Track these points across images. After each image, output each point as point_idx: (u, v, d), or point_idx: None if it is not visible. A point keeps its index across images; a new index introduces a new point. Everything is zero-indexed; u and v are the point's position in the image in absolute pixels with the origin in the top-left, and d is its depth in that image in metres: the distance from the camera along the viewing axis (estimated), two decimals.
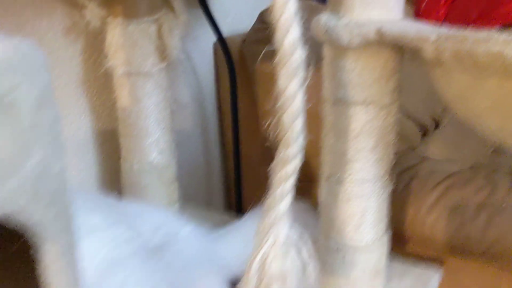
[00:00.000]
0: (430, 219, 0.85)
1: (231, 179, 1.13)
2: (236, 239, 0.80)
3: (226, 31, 1.03)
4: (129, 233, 0.70)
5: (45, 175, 0.40)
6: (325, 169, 0.69)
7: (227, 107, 1.09)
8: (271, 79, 0.49)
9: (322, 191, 0.71)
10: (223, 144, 1.14)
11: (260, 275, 0.53)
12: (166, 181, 0.87)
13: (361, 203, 0.68)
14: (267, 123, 0.51)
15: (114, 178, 0.89)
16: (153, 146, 0.85)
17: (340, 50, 0.61)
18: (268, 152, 1.16)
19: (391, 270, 0.76)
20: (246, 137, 1.10)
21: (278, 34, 0.45)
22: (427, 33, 0.50)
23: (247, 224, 0.82)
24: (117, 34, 0.80)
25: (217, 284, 0.71)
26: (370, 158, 0.65)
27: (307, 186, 0.71)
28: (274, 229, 0.53)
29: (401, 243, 0.87)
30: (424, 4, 1.17)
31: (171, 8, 0.83)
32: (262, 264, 0.53)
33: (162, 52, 0.83)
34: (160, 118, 0.85)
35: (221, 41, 1.02)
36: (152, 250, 0.71)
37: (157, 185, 0.87)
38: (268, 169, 0.54)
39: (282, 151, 0.52)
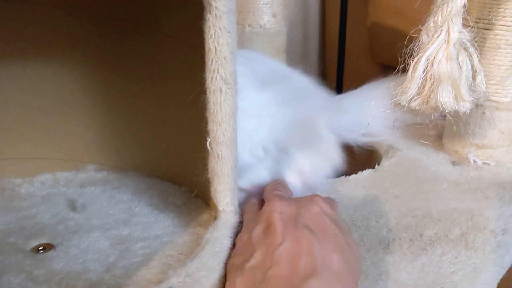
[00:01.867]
0: None
1: (330, 72, 1.08)
2: (351, 104, 0.75)
3: None
4: (243, 68, 0.66)
5: None
6: (472, 12, 0.63)
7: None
8: None
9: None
10: (323, 35, 1.09)
11: (426, 74, 0.48)
12: (276, 48, 0.83)
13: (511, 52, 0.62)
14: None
15: None
16: (267, 7, 0.80)
17: None
18: (373, 48, 1.11)
19: None
20: (351, 30, 1.04)
21: None
22: None
23: (361, 93, 0.77)
24: None
25: (332, 119, 0.66)
26: None
27: None
28: (448, 25, 0.48)
29: None
30: None
31: None
32: (430, 61, 0.48)
33: None
34: None
35: None
36: (268, 82, 0.66)
37: (268, 51, 0.82)
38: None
39: None
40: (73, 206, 0.57)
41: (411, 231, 0.55)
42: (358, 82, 0.97)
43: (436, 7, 0.48)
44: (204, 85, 0.44)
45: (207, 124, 0.45)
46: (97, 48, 0.58)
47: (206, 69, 0.43)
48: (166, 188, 0.61)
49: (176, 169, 0.61)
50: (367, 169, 0.72)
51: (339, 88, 1.05)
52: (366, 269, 0.49)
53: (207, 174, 0.50)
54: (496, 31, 0.62)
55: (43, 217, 0.55)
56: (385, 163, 0.72)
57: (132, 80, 0.58)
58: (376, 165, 0.72)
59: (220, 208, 0.47)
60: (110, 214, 0.56)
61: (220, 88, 0.44)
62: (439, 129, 0.77)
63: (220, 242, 0.44)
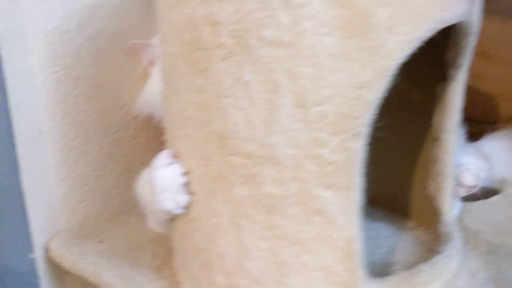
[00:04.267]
0: None
1: None
2: None
3: None
4: None
5: None
6: None
7: None
8: None
9: None
10: None
11: None
12: None
13: None
14: None
15: None
16: None
17: None
18: None
19: None
20: None
21: None
22: None
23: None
24: None
25: None
26: None
27: None
28: None
29: None
30: None
31: None
32: None
33: None
34: None
35: None
36: None
37: None
38: None
39: None
40: None
41: None
42: None
43: None
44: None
45: (437, 154, 0.68)
46: None
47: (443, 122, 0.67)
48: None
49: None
50: (494, 196, 0.94)
51: None
52: None
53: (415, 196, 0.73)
54: None
55: None
56: (509, 190, 0.95)
57: None
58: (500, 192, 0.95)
59: (445, 213, 0.69)
60: None
61: (452, 131, 0.67)
62: None
63: (454, 232, 0.66)
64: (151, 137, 0.94)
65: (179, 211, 0.59)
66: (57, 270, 0.83)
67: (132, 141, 0.91)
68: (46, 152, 0.79)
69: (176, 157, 0.60)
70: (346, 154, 0.49)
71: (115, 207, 0.92)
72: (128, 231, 0.84)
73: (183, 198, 0.58)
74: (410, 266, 0.63)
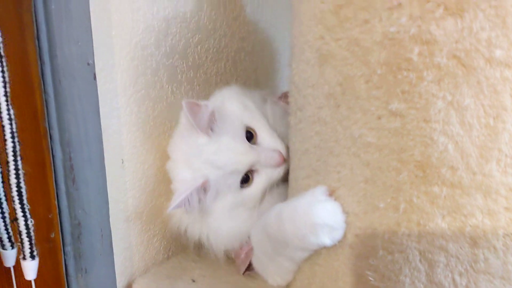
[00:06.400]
0: None
1: None
2: None
3: None
4: None
5: None
6: None
7: None
8: None
9: None
10: None
11: None
12: None
13: None
14: None
15: None
16: None
17: None
18: None
19: None
20: None
21: None
22: None
23: None
24: None
25: None
26: None
27: None
28: None
29: None
30: None
31: None
32: None
33: None
34: None
35: None
36: None
37: None
38: None
39: None
40: None
41: None
42: None
43: None
44: None
45: None
46: None
47: None
48: None
49: None
50: None
51: None
52: None
53: None
54: None
55: None
56: None
57: None
58: None
59: None
60: None
61: None
62: None
63: None
64: None
65: (336, 244, 0.54)
66: None
67: None
68: (127, 184, 0.69)
69: (332, 192, 0.55)
70: None
71: (181, 241, 0.83)
72: (213, 266, 0.76)
73: (341, 232, 0.53)
74: None
